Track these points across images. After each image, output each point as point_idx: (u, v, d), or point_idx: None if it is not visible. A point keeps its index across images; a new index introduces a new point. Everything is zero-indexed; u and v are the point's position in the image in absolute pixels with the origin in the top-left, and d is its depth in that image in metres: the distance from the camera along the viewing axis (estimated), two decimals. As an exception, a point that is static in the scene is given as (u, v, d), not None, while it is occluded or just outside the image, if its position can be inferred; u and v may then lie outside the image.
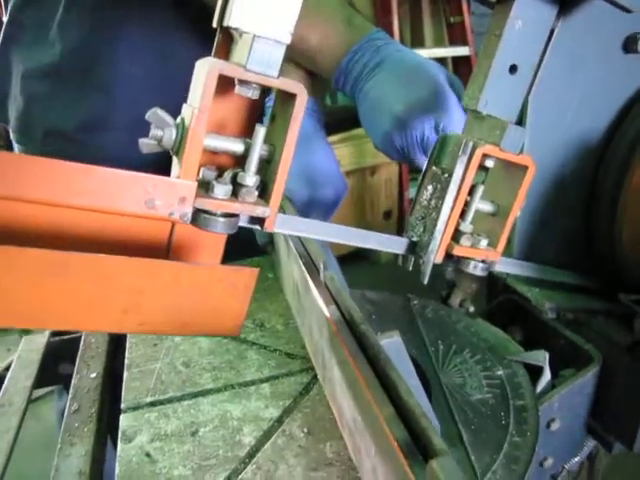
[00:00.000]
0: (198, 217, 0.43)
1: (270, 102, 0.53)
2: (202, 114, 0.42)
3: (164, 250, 0.49)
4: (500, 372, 0.59)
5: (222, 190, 0.43)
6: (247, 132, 0.48)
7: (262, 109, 0.51)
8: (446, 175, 0.52)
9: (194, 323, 0.43)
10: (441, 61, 2.28)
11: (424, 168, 0.55)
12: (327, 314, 0.47)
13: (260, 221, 0.46)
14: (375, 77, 0.70)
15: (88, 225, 0.45)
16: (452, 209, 0.52)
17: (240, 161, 0.46)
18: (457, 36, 2.33)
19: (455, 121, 0.65)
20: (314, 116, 0.76)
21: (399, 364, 0.39)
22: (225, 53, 0.46)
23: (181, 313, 0.43)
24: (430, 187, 0.54)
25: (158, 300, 0.42)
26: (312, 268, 0.56)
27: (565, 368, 0.63)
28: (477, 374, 0.58)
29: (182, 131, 0.43)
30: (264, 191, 0.47)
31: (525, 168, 0.53)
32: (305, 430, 0.51)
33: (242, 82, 0.43)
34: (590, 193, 0.65)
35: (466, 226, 0.54)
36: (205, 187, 0.44)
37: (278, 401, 0.55)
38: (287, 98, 0.45)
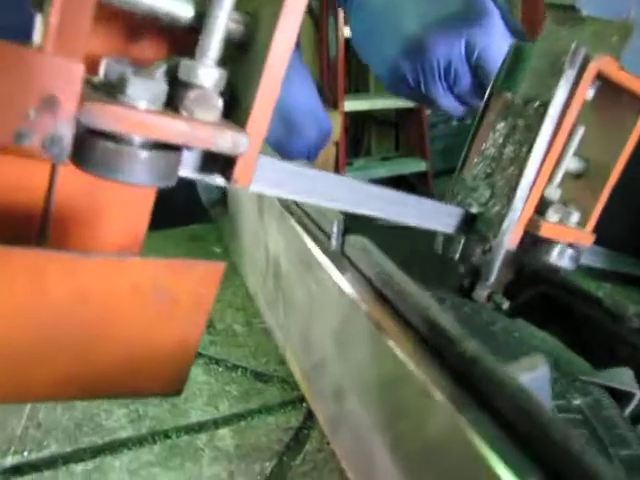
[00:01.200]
0: (90, 147, 0.19)
1: None
2: None
3: (35, 226, 0.25)
4: (578, 401, 0.38)
5: (146, 91, 0.20)
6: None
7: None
8: (537, 104, 0.30)
9: (84, 376, 0.20)
10: None
11: (486, 97, 0.33)
12: (361, 305, 0.24)
13: (225, 165, 0.23)
14: None
15: None
16: (544, 159, 0.30)
17: (186, 43, 0.23)
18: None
19: (496, 42, 0.44)
20: None
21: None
22: None
23: (55, 359, 0.19)
24: (503, 125, 0.32)
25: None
26: (313, 233, 0.32)
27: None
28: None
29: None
30: (233, 107, 0.23)
31: (641, 102, 0.32)
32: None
33: None
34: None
35: (553, 191, 0.33)
36: (109, 89, 0.20)
37: (251, 464, 0.32)
38: None
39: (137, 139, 0.20)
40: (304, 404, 0.37)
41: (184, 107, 0.21)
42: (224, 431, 0.34)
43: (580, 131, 0.32)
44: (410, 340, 0.22)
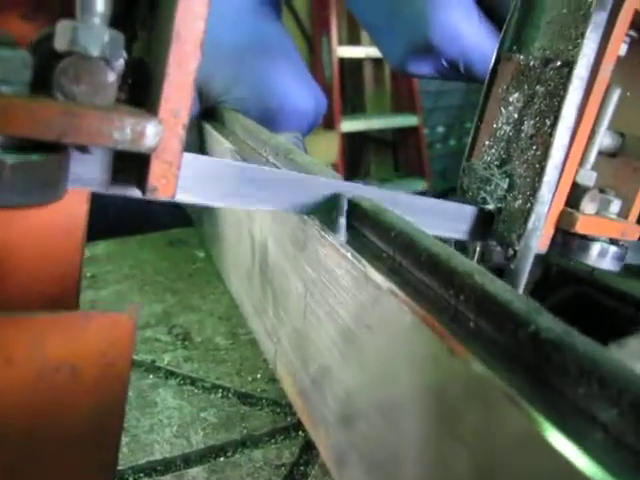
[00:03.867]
0: None
1: None
2: None
3: None
4: None
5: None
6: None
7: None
8: (558, 64, 0.23)
9: None
10: (377, 62, 2.00)
11: (492, 64, 0.27)
12: (379, 283, 0.18)
13: (139, 170, 0.16)
14: None
15: None
16: (575, 132, 0.23)
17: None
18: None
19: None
20: None
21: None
22: None
23: None
24: (517, 95, 0.25)
25: None
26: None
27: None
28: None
29: None
30: (144, 93, 0.17)
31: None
32: None
33: None
34: None
35: (587, 174, 0.26)
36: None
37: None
38: None
39: (-5, 140, 0.14)
40: (300, 432, 0.29)
41: (59, 87, 0.14)
42: (196, 470, 0.27)
43: (616, 94, 0.25)
44: (455, 325, 0.15)
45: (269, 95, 0.42)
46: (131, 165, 0.17)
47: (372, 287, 0.18)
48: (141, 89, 0.16)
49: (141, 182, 0.16)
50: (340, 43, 1.82)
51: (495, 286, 0.15)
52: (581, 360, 0.13)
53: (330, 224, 0.22)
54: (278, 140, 0.32)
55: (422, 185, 1.77)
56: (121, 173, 0.17)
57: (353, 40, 2.26)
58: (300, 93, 0.42)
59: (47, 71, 0.15)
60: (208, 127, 0.41)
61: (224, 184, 0.19)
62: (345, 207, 0.22)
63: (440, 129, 1.91)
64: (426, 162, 1.80)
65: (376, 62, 1.93)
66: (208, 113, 0.43)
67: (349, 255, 0.20)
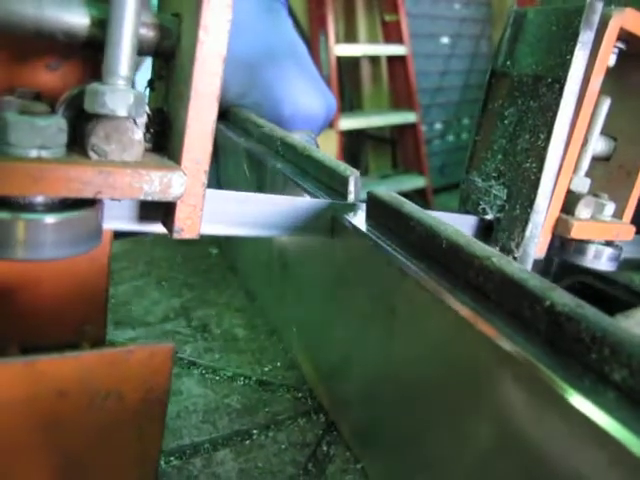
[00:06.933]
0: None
1: None
2: None
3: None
4: None
5: (36, 135, 0.14)
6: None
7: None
8: (548, 81, 0.24)
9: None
10: (374, 60, 1.97)
11: (487, 79, 0.27)
12: (404, 269, 0.20)
13: (165, 211, 0.17)
14: None
15: None
16: (568, 145, 0.24)
17: (84, 64, 0.17)
18: (392, 34, 2.05)
19: None
20: None
21: None
22: None
23: None
24: (512, 110, 0.26)
25: None
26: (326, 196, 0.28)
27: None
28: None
29: None
30: (168, 139, 0.18)
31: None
32: None
33: None
34: None
35: (581, 181, 0.27)
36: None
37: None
38: None
39: (38, 200, 0.15)
40: (322, 415, 0.30)
41: (92, 147, 0.15)
42: (224, 453, 0.27)
43: (606, 104, 0.26)
44: (476, 303, 0.17)
45: (282, 102, 0.43)
46: (157, 203, 0.18)
47: (396, 271, 0.20)
48: (163, 136, 0.17)
49: (167, 220, 0.17)
50: (337, 41, 1.81)
51: (512, 267, 0.17)
52: (593, 329, 0.14)
53: (352, 216, 0.23)
54: (293, 138, 0.33)
55: (421, 181, 1.77)
56: (148, 209, 0.18)
57: (350, 38, 2.25)
58: (311, 99, 0.43)
59: (78, 127, 0.16)
60: (221, 127, 0.42)
61: (235, 215, 0.20)
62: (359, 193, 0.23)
63: (438, 126, 1.90)
64: (424, 158, 1.79)
65: (373, 60, 1.91)
66: (221, 113, 0.44)
67: (372, 243, 0.21)
